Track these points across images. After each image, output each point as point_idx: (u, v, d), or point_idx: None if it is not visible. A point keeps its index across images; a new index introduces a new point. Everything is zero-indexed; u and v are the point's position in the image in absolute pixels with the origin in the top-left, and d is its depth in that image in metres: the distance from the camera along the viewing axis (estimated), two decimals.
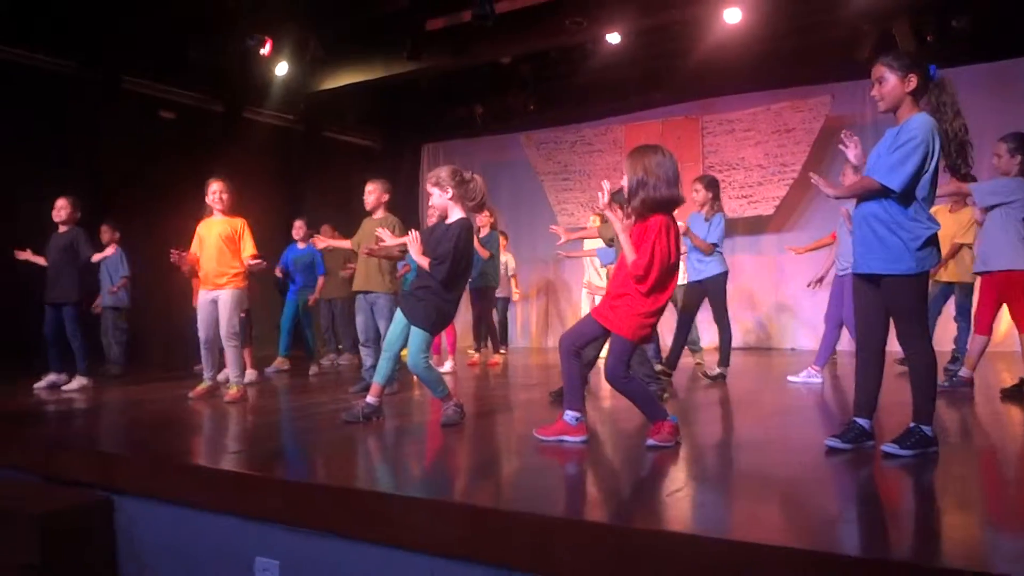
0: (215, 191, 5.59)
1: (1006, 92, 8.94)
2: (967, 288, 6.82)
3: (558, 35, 9.27)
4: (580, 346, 3.71)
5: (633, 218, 3.57)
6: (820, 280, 6.49)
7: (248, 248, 5.63)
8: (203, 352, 5.59)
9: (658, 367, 5.65)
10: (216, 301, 5.49)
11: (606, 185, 3.76)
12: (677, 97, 10.68)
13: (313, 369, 7.76)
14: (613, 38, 9.41)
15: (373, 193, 5.82)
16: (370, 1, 9.69)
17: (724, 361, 6.28)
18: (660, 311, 3.59)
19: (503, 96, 11.66)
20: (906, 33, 8.83)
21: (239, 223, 5.66)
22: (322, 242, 6.18)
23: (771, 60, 9.71)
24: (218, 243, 5.53)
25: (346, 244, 6.11)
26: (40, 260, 6.42)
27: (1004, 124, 7.90)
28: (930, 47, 8.76)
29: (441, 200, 4.33)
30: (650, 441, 3.50)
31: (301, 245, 8.11)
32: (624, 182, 3.58)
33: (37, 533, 3.23)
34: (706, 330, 7.34)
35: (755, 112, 10.09)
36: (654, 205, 3.49)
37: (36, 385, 6.28)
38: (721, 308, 6.27)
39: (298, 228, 8.17)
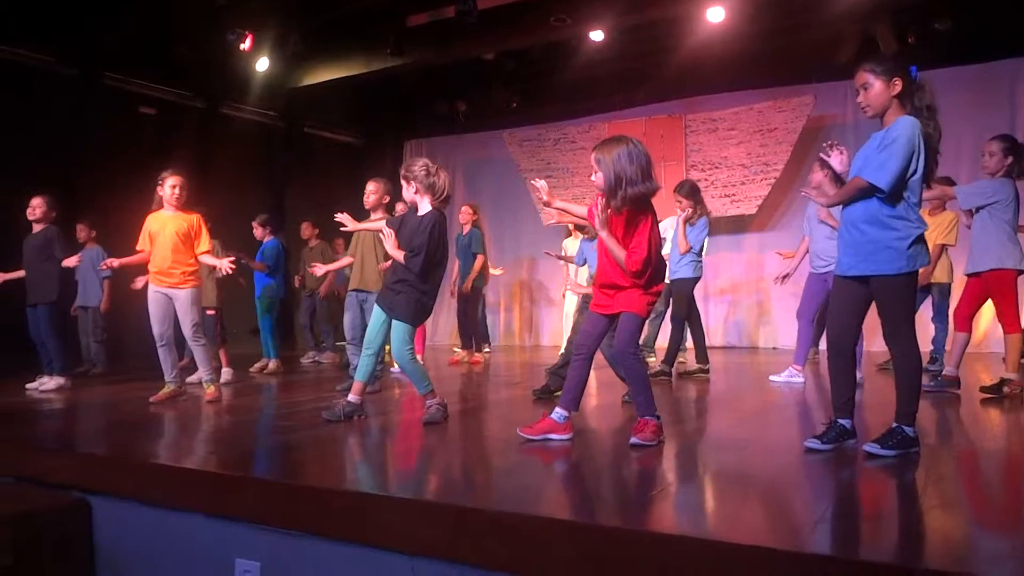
0: (174, 186, 5.34)
1: (987, 94, 9.04)
2: (945, 289, 6.88)
3: (542, 32, 9.27)
4: (597, 347, 3.73)
5: (607, 215, 3.55)
6: (787, 276, 6.47)
7: (203, 244, 5.43)
8: (160, 351, 5.32)
9: (655, 368, 5.71)
10: (171, 298, 5.28)
11: (541, 184, 3.87)
12: (660, 95, 10.73)
13: (270, 366, 7.59)
14: (597, 36, 9.42)
15: (375, 193, 5.60)
16: None
17: (669, 360, 6.40)
18: (660, 292, 3.73)
19: (486, 93, 11.63)
20: (888, 35, 8.89)
21: (195, 219, 5.43)
22: (321, 269, 5.61)
23: (754, 60, 9.76)
24: (173, 240, 5.30)
25: (347, 262, 5.83)
26: (15, 275, 6.30)
27: (985, 126, 8.00)
28: (912, 49, 8.82)
29: (408, 194, 4.36)
30: (634, 439, 3.50)
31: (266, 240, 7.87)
32: (596, 179, 3.54)
33: (10, 535, 3.17)
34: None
35: (738, 111, 10.13)
36: (635, 200, 3.47)
37: (28, 386, 6.17)
38: (680, 310, 6.37)
39: (256, 229, 7.87)
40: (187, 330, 5.32)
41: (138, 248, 5.41)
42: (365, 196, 5.64)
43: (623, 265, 3.52)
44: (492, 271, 8.96)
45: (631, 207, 3.48)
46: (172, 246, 5.30)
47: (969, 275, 5.16)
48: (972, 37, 8.79)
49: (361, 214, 5.56)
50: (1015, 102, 9.03)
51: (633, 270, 3.50)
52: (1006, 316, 5.01)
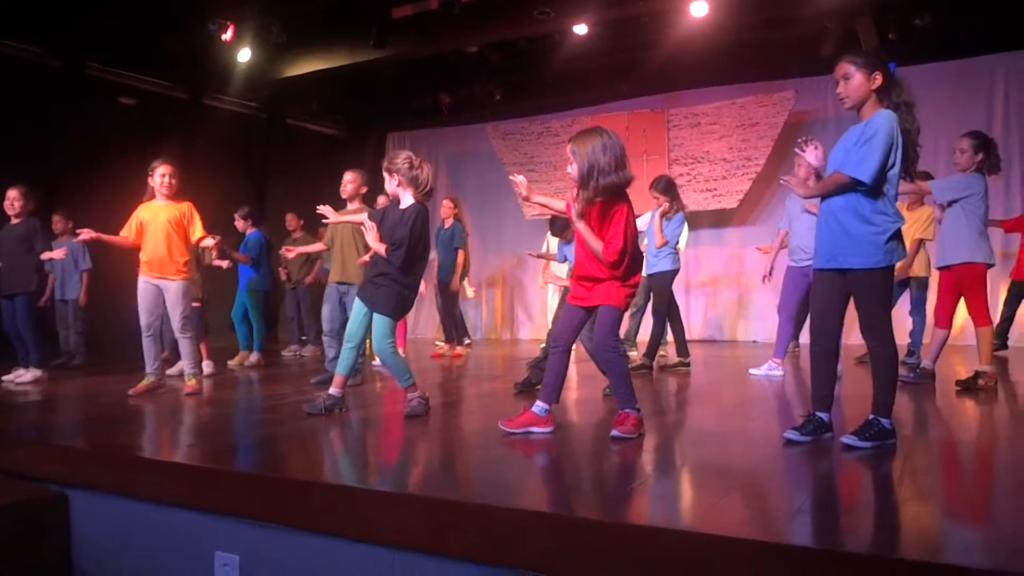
0: (164, 175, 5.30)
1: (967, 90, 9.13)
2: (923, 282, 6.96)
3: (525, 25, 9.23)
4: (574, 339, 3.77)
5: (582, 205, 3.55)
6: (770, 273, 6.55)
7: (197, 231, 5.43)
8: (144, 341, 5.28)
9: (636, 361, 5.73)
10: (161, 289, 5.25)
11: (520, 179, 3.92)
12: (643, 90, 10.74)
13: (251, 359, 7.63)
14: (580, 29, 9.41)
15: (352, 183, 5.72)
16: None
17: (650, 354, 6.44)
18: (638, 284, 3.75)
19: (469, 85, 11.59)
20: (869, 30, 8.95)
21: (186, 207, 5.41)
22: (293, 252, 6.31)
23: (736, 54, 9.79)
24: (166, 229, 5.26)
25: (319, 247, 6.20)
26: None
27: (964, 121, 8.05)
28: (892, 45, 8.88)
29: (390, 186, 4.36)
30: (614, 432, 3.52)
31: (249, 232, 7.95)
32: (571, 170, 3.56)
33: None
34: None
35: (720, 106, 10.15)
36: (607, 189, 3.48)
37: (4, 378, 6.10)
38: (661, 304, 6.40)
39: (238, 221, 7.95)
40: (176, 322, 5.29)
41: (122, 233, 5.32)
42: (342, 186, 5.75)
43: (600, 256, 3.53)
44: (467, 288, 8.89)
45: (605, 197, 3.50)
46: (165, 234, 5.26)
47: (940, 268, 5.23)
48: (951, 33, 8.87)
49: (342, 206, 5.58)
50: (993, 97, 9.13)
51: (610, 260, 3.51)
52: (976, 310, 5.09)
